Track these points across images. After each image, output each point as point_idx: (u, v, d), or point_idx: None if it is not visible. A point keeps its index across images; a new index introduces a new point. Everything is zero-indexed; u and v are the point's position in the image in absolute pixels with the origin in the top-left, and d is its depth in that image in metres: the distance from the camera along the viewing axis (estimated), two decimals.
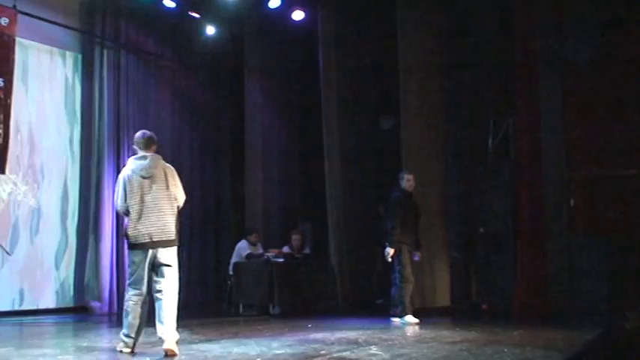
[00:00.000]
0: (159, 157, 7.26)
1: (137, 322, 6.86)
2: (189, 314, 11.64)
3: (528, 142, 11.34)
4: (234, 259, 12.45)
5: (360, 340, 7.61)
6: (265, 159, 14.28)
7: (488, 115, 11.81)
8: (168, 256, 6.92)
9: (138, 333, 6.91)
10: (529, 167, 11.29)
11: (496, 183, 11.61)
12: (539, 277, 11.01)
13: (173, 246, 6.97)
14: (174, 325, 6.80)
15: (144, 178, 7.02)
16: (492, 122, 11.71)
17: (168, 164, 7.29)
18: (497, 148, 11.74)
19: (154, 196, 6.96)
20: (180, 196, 7.15)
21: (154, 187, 7.00)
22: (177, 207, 7.12)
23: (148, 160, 7.11)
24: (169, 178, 7.13)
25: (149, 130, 11.99)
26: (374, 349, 6.84)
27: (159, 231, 6.88)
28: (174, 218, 7.04)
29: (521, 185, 11.32)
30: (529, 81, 11.40)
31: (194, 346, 7.27)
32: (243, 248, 12.54)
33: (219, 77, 15.23)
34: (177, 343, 6.75)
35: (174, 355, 6.58)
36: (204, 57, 14.78)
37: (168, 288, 6.88)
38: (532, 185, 11.26)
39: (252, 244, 12.59)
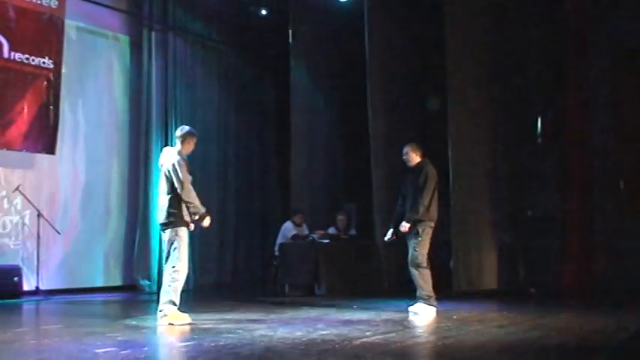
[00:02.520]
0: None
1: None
2: (236, 295, 11.74)
3: (578, 122, 11.17)
4: (279, 240, 12.49)
5: (405, 322, 7.62)
6: (310, 140, 14.26)
7: (537, 95, 11.67)
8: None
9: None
10: (578, 148, 11.14)
11: (544, 164, 11.48)
12: (588, 259, 10.90)
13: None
14: (161, 301, 7.57)
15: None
16: (541, 101, 11.57)
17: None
18: (546, 128, 11.61)
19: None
20: None
21: None
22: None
23: None
24: None
25: (198, 112, 12.26)
26: (420, 331, 6.84)
27: None
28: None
29: (570, 166, 11.17)
30: (579, 60, 11.22)
31: (240, 326, 7.33)
32: (288, 229, 12.58)
33: (265, 58, 15.25)
34: (162, 317, 7.51)
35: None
36: (249, 37, 14.80)
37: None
38: (581, 167, 11.11)
39: (298, 225, 12.62)
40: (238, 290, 12.81)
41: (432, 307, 8.62)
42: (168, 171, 7.72)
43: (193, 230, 7.93)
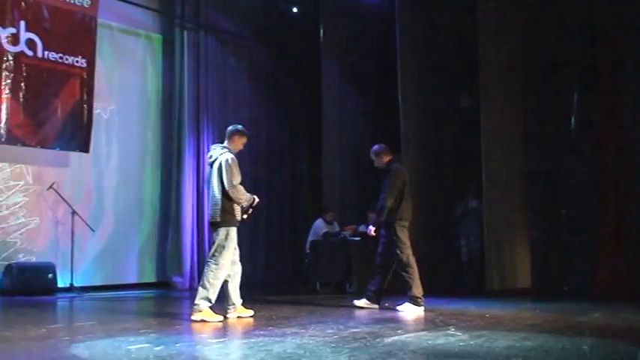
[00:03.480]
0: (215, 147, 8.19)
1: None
2: (267, 292, 11.76)
3: (612, 118, 11.03)
4: (310, 238, 12.50)
5: (437, 321, 7.58)
6: (341, 137, 14.24)
7: (571, 91, 11.53)
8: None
9: (227, 301, 7.93)
10: (612, 145, 11.00)
11: (578, 161, 11.36)
12: (622, 257, 10.77)
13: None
14: (197, 296, 7.62)
15: None
16: (575, 98, 11.45)
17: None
18: (580, 124, 11.48)
19: None
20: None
21: None
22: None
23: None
24: None
25: (230, 112, 12.34)
26: (452, 330, 6.80)
27: None
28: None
29: (604, 163, 11.04)
30: (612, 55, 11.08)
31: (272, 323, 7.34)
32: (319, 227, 12.58)
33: (296, 56, 15.26)
34: (196, 312, 7.55)
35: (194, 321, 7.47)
36: (281, 36, 14.82)
37: None
38: (615, 163, 10.97)
39: (328, 222, 12.61)
40: (270, 288, 12.82)
41: (420, 308, 8.62)
42: (220, 167, 7.79)
43: (248, 216, 8.02)
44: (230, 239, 7.73)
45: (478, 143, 11.43)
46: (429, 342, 6.06)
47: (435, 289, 11.09)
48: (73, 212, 11.29)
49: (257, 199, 7.93)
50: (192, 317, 7.56)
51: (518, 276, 11.53)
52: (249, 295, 10.80)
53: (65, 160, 11.63)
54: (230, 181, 7.71)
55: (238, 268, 7.98)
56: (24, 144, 10.81)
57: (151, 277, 12.71)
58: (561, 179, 11.52)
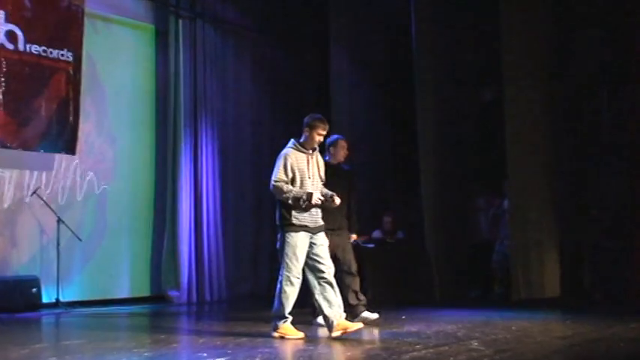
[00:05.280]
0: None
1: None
2: (269, 305, 11.71)
3: None
4: None
5: (459, 334, 7.55)
6: (353, 135, 14.17)
7: (603, 83, 11.50)
8: None
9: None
10: None
11: (611, 160, 11.32)
12: None
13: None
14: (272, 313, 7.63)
15: None
16: (606, 92, 11.42)
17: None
18: (613, 120, 11.44)
19: None
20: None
21: None
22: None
23: None
24: None
25: (230, 109, 12.25)
26: (475, 344, 6.78)
27: None
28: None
29: None
30: None
31: (278, 339, 7.32)
32: None
33: (303, 47, 15.19)
34: (275, 330, 7.53)
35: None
36: (286, 25, 14.77)
37: None
38: None
39: None
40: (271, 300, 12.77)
41: (375, 315, 8.70)
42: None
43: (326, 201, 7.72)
44: (287, 245, 7.59)
45: (502, 139, 11.39)
46: (450, 358, 6.03)
47: (457, 301, 11.08)
48: (59, 220, 11.27)
49: (316, 195, 7.54)
50: (272, 334, 7.52)
51: (546, 283, 11.48)
52: (253, 309, 10.78)
53: (50, 162, 11.61)
54: (272, 181, 7.64)
55: (326, 280, 7.65)
56: (5, 146, 10.78)
57: (144, 291, 12.64)
58: (592, 178, 11.49)
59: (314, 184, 7.70)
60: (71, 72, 11.36)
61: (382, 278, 11.70)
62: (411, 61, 12.82)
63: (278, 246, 7.74)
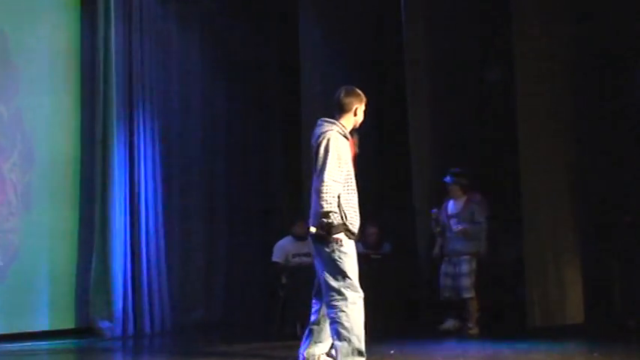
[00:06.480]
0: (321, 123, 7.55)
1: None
2: (229, 338, 11.63)
3: None
4: (275, 258, 12.21)
5: None
6: (327, 115, 14.14)
7: (634, 61, 11.54)
8: None
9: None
10: None
11: None
12: None
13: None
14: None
15: None
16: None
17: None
18: None
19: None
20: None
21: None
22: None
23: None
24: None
25: (174, 91, 12.13)
26: None
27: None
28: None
29: None
30: None
31: None
32: (282, 247, 12.29)
33: (265, 14, 15.21)
34: None
35: None
36: None
37: None
38: None
39: (298, 238, 12.26)
40: (233, 331, 12.72)
41: None
42: (317, 151, 7.28)
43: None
44: (346, 256, 7.22)
45: (514, 133, 11.42)
46: None
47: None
48: None
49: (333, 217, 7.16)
50: None
51: (568, 308, 11.47)
52: (205, 341, 10.73)
53: None
54: (321, 172, 7.17)
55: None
56: None
57: (68, 323, 12.51)
58: (623, 179, 11.51)
59: (354, 189, 7.44)
60: None
61: (365, 301, 11.60)
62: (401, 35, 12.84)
63: (322, 259, 7.32)
